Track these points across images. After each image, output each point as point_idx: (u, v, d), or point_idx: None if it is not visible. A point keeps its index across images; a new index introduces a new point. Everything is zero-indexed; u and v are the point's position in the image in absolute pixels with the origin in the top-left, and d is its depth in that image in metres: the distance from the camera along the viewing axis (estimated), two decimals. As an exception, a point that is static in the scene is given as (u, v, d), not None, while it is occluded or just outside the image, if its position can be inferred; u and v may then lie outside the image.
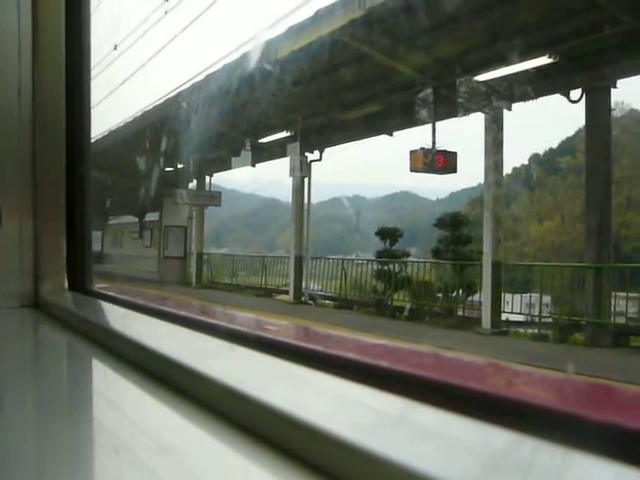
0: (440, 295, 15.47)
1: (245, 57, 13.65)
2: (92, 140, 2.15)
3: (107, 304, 1.64)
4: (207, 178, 23.17)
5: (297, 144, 16.88)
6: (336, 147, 18.66)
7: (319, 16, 12.46)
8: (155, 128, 16.92)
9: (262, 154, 19.56)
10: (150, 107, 19.27)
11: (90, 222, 1.94)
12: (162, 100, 18.48)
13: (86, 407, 0.89)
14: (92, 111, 2.01)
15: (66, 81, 1.82)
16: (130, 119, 20.71)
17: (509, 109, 12.45)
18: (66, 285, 1.85)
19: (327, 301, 18.37)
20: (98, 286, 1.94)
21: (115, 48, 19.83)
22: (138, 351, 0.98)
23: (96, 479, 0.62)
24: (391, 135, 16.84)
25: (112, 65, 19.44)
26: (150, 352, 0.93)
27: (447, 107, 12.83)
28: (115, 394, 0.94)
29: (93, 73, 2.16)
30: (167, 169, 22.02)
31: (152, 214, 26.51)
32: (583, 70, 11.50)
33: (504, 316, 13.20)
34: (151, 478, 0.59)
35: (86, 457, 0.69)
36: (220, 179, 24.74)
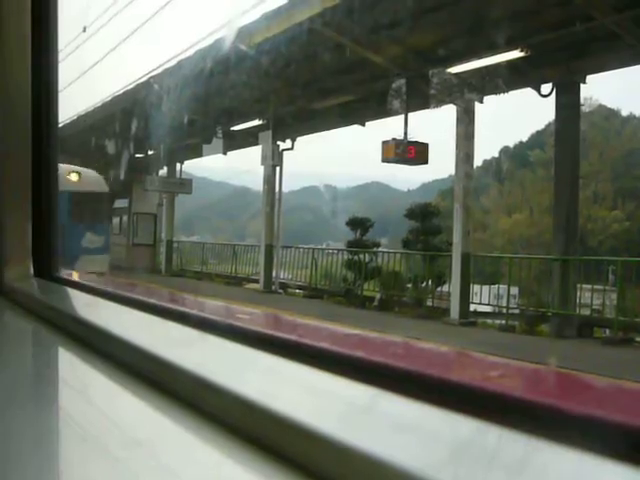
0: (410, 285, 15.58)
1: (218, 43, 13.51)
2: (60, 124, 2.10)
3: (74, 291, 1.61)
4: (178, 165, 22.95)
5: (269, 132, 16.79)
6: (308, 136, 18.65)
7: (294, 3, 12.38)
8: (125, 113, 16.67)
9: (234, 142, 19.44)
10: (120, 92, 18.99)
11: (57, 207, 1.90)
12: (133, 85, 18.23)
13: (52, 397, 0.87)
14: (60, 95, 1.96)
15: (32, 62, 1.77)
16: (99, 104, 20.38)
17: (481, 102, 12.55)
18: (31, 271, 1.81)
19: (297, 290, 18.39)
20: (64, 272, 1.90)
21: (84, 30, 19.50)
22: (106, 339, 0.96)
23: (62, 471, 0.61)
24: (364, 125, 16.88)
25: (81, 48, 19.10)
26: (118, 341, 0.91)
27: (420, 98, 12.87)
28: (82, 384, 0.92)
29: (61, 56, 2.11)
30: (137, 155, 21.74)
31: (121, 200, 26.16)
32: (554, 65, 11.64)
33: (472, 307, 13.37)
34: (119, 470, 0.58)
35: (52, 448, 0.67)
36: (191, 166, 24.54)
